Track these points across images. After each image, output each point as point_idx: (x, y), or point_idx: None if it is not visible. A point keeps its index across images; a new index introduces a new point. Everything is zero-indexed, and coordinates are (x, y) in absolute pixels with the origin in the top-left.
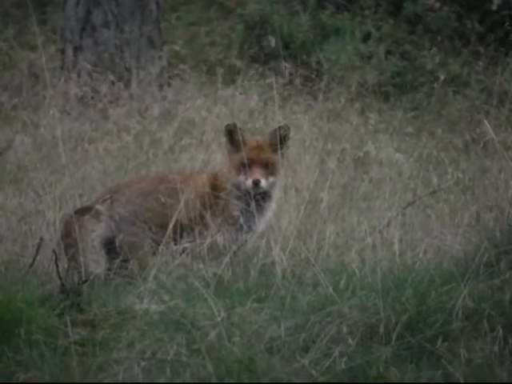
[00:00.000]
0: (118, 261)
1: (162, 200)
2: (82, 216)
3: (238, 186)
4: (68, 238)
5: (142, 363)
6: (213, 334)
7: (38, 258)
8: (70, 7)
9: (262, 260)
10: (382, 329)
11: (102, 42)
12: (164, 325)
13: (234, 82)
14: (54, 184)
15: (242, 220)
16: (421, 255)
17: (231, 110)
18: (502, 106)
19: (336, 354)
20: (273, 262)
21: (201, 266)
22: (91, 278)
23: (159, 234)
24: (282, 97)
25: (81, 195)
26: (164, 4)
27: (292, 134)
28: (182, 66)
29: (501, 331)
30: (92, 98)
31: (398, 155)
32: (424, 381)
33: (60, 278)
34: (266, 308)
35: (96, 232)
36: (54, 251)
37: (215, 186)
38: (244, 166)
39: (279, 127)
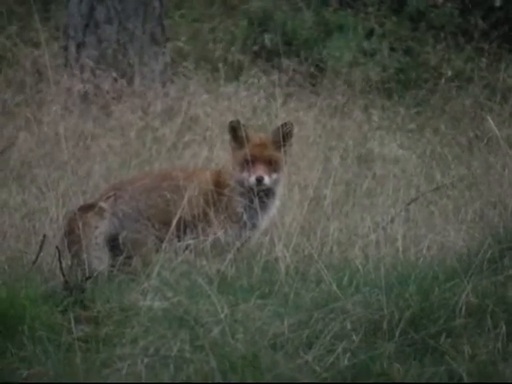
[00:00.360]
0: (121, 258)
1: (166, 197)
2: (85, 213)
3: (241, 183)
4: (71, 234)
5: (146, 359)
6: (216, 331)
7: (42, 254)
8: (73, 4)
9: (266, 256)
10: (385, 325)
11: (105, 38)
12: (167, 321)
13: (237, 78)
14: (57, 181)
15: (245, 217)
16: (424, 251)
17: (234, 107)
18: (505, 103)
19: (339, 350)
20: (276, 259)
21: (204, 262)
22: (95, 274)
23: (162, 230)
24: (285, 93)
25: (84, 192)
26: (167, 1)
27: (295, 130)
28: (185, 63)
29: (504, 327)
30: (95, 94)
31: (401, 152)
32: (427, 377)
33: (63, 275)
34: (270, 304)
35: (99, 229)
36: (57, 248)
37: (219, 183)
38: (247, 163)
39: (283, 124)
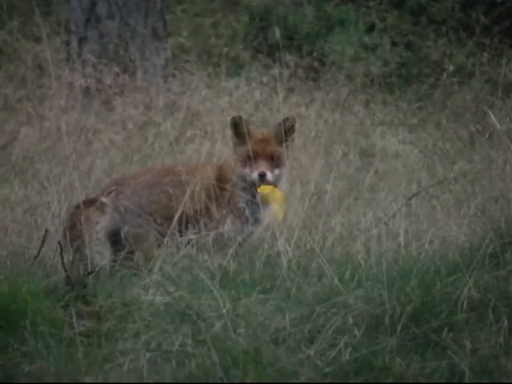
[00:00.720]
0: (123, 252)
1: (168, 192)
2: (87, 208)
3: (243, 178)
4: (73, 229)
5: (148, 354)
6: (218, 325)
7: (43, 249)
8: None
9: (268, 251)
10: (387, 319)
11: (107, 33)
12: (169, 316)
13: (238, 73)
14: (58, 176)
15: (247, 212)
16: (426, 246)
17: (236, 102)
18: (506, 97)
19: (341, 344)
20: (278, 253)
21: (206, 257)
22: (96, 269)
23: (164, 225)
24: (287, 88)
25: (86, 187)
26: None
27: (297, 125)
28: (186, 58)
29: (506, 322)
30: (97, 89)
31: (402, 146)
32: (429, 371)
33: (65, 270)
34: (272, 299)
35: (101, 224)
36: (59, 243)
37: (221, 178)
38: (249, 159)
39: (284, 119)
